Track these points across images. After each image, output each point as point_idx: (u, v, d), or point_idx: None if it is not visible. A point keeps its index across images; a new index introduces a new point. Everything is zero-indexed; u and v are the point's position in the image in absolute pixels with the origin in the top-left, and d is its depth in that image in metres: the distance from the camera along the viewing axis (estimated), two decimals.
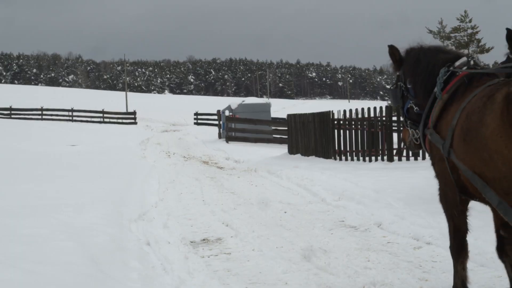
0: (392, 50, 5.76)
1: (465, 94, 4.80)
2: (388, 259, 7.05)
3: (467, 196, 4.85)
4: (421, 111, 5.41)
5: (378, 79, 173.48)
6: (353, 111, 18.36)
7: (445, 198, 5.06)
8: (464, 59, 5.23)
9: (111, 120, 53.13)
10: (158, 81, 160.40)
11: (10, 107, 57.39)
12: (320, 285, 5.98)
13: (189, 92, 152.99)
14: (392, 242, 8.02)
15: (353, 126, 18.18)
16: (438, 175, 5.10)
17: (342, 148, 18.58)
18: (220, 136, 33.28)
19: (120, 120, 53.10)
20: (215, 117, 41.09)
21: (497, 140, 4.04)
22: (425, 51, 5.57)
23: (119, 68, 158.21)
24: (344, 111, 18.95)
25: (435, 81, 5.19)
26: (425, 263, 6.89)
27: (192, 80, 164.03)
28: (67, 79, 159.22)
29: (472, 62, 5.20)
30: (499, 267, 6.39)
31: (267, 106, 34.81)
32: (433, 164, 5.17)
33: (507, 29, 4.84)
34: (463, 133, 4.45)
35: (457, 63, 5.18)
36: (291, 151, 22.14)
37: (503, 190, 4.07)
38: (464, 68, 5.07)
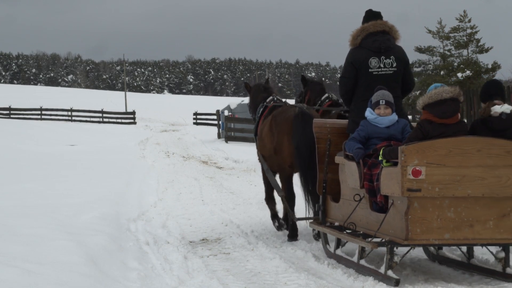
0: (245, 85, 10.01)
1: (268, 117, 8.85)
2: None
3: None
4: None
5: None
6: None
7: (263, 173, 9.10)
8: (271, 97, 9.29)
9: (110, 120, 53.02)
10: (157, 81, 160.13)
11: (9, 107, 57.28)
12: (320, 285, 5.99)
13: (188, 92, 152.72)
14: None
15: None
16: (260, 161, 9.08)
17: None
18: (219, 136, 33.23)
19: (119, 120, 52.96)
20: (214, 117, 40.96)
21: (266, 138, 8.63)
22: (256, 89, 9.68)
23: (118, 68, 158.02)
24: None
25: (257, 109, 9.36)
26: (425, 262, 6.90)
27: (191, 80, 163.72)
28: (66, 79, 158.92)
29: (276, 99, 9.25)
30: (498, 265, 6.39)
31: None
32: (258, 155, 9.15)
33: (302, 75, 9.81)
34: (259, 135, 8.94)
35: (268, 100, 9.23)
36: None
37: (268, 164, 8.72)
38: (272, 102, 9.14)
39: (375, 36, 6.99)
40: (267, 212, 10.36)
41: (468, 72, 32.20)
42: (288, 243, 8.00)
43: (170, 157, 22.88)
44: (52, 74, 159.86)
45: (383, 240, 6.07)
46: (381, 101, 6.59)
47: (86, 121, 52.80)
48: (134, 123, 51.14)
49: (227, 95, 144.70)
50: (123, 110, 60.82)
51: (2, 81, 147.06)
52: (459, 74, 32.25)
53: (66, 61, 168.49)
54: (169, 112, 63.10)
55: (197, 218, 10.12)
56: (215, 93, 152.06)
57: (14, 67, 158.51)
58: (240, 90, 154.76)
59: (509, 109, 6.06)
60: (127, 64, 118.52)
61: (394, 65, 6.97)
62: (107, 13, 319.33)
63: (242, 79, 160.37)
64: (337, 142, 7.09)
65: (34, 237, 6.85)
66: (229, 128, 30.79)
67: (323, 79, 10.13)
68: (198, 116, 49.42)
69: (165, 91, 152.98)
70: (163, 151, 25.48)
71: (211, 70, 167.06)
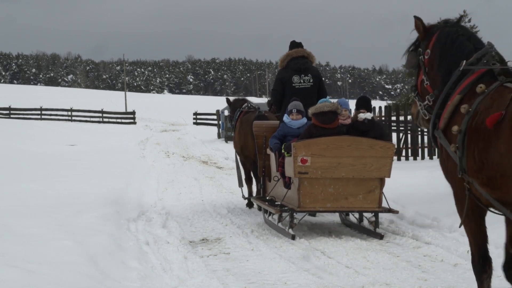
0: (226, 100, 12.92)
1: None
2: (388, 258, 7.06)
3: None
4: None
5: (377, 79, 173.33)
6: (353, 111, 18.33)
7: (238, 162, 11.53)
8: (245, 104, 11.77)
9: (110, 120, 52.99)
10: (157, 81, 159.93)
11: (9, 107, 57.26)
12: (319, 285, 5.99)
13: (188, 92, 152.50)
14: (391, 242, 8.03)
15: None
16: (236, 153, 11.81)
17: None
18: (219, 136, 33.25)
19: (119, 120, 52.93)
20: (214, 117, 40.96)
21: (237, 137, 11.22)
22: (235, 101, 12.38)
23: (118, 68, 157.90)
24: None
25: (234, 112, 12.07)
26: (424, 262, 6.90)
27: (191, 80, 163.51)
28: (66, 79, 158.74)
29: (249, 105, 11.64)
30: (497, 267, 6.39)
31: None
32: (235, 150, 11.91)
33: (270, 103, 11.25)
34: (234, 135, 11.61)
35: (243, 106, 11.73)
36: None
37: (240, 156, 11.35)
38: (246, 108, 11.55)
39: (296, 60, 9.60)
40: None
41: None
42: (288, 243, 8.01)
43: (170, 157, 22.89)
44: (52, 74, 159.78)
45: (287, 208, 8.58)
46: (293, 109, 9.06)
47: (86, 121, 52.77)
48: (134, 123, 51.11)
49: (227, 95, 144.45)
50: (123, 110, 60.80)
51: (2, 81, 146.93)
52: None
53: (66, 61, 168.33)
54: (169, 112, 63.04)
55: (197, 218, 10.12)
56: (215, 93, 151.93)
57: (14, 67, 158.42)
58: (240, 90, 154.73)
59: (370, 116, 8.58)
60: (127, 64, 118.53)
61: (311, 81, 9.59)
62: (107, 13, 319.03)
63: (242, 79, 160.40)
64: None
65: (34, 237, 6.85)
66: (229, 128, 30.75)
67: None
68: (198, 116, 49.37)
69: (165, 91, 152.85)
70: (163, 151, 25.48)
71: (211, 70, 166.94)
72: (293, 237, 8.07)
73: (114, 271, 6.16)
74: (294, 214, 8.36)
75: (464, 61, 4.49)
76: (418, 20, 4.93)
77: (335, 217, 9.83)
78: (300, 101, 9.18)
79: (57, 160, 19.68)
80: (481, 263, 4.63)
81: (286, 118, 9.10)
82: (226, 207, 11.20)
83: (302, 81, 9.57)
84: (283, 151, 8.65)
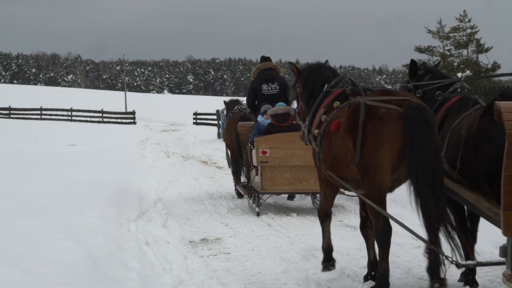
0: (224, 102, 14.15)
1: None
2: None
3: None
4: None
5: (377, 79, 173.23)
6: None
7: (227, 151, 13.35)
8: (236, 106, 13.35)
9: (110, 120, 52.89)
10: (157, 81, 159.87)
11: (9, 107, 57.22)
12: (319, 285, 5.99)
13: (188, 92, 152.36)
14: (391, 241, 8.02)
15: None
16: (226, 147, 13.46)
17: None
18: (219, 136, 33.18)
19: (119, 120, 52.81)
20: (214, 117, 40.89)
21: (226, 133, 13.18)
22: (229, 103, 13.87)
23: (118, 68, 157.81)
24: None
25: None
26: (424, 262, 6.89)
27: (191, 80, 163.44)
28: (66, 79, 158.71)
29: (239, 108, 13.20)
30: (498, 267, 6.40)
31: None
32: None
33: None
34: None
35: (235, 108, 13.34)
36: None
37: (229, 148, 13.00)
38: (237, 110, 13.26)
39: (265, 71, 11.77)
40: (267, 212, 10.43)
41: (468, 72, 32.16)
42: (288, 243, 8.01)
43: (170, 157, 22.88)
44: (52, 74, 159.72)
45: (253, 190, 10.60)
46: (267, 110, 10.85)
47: (86, 121, 52.70)
48: (134, 123, 51.04)
49: (227, 95, 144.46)
50: (123, 110, 60.68)
51: (2, 81, 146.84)
52: (459, 74, 32.21)
53: (66, 61, 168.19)
54: (169, 112, 62.95)
55: (197, 218, 10.12)
56: (215, 93, 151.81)
57: (14, 67, 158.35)
58: (240, 90, 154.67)
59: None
60: (127, 64, 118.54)
61: (277, 88, 11.70)
62: (107, 13, 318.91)
63: (242, 79, 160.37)
64: None
65: (34, 237, 6.85)
66: None
67: None
68: (198, 116, 49.25)
69: (165, 91, 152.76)
70: (163, 151, 25.47)
71: (211, 70, 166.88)
72: (258, 214, 9.99)
73: (114, 271, 6.16)
74: (260, 195, 10.27)
75: (327, 85, 6.27)
76: (292, 65, 6.79)
77: (334, 218, 9.81)
78: (269, 104, 11.11)
79: (57, 160, 19.66)
80: (325, 216, 6.49)
81: (260, 118, 10.96)
82: (226, 207, 11.20)
83: (270, 88, 11.68)
84: (249, 145, 10.62)
